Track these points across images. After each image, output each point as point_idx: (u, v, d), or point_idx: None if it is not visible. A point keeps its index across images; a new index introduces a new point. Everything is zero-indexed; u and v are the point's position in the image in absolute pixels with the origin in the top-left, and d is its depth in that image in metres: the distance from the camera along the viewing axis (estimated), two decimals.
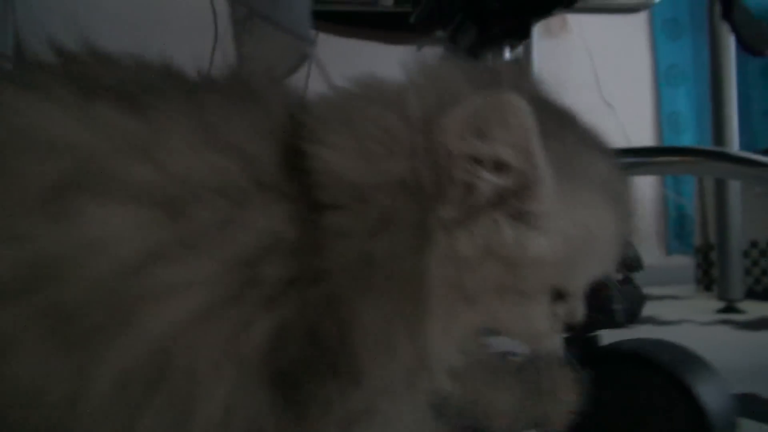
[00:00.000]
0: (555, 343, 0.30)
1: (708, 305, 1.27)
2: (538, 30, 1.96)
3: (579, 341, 0.36)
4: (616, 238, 0.29)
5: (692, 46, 1.99)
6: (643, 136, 1.99)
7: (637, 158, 0.75)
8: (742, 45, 0.68)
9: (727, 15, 0.69)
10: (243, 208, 0.25)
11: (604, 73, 1.94)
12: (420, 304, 0.26)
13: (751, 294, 1.50)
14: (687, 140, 2.02)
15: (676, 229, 2.00)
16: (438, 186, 0.25)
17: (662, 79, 2.01)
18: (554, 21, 1.90)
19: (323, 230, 0.25)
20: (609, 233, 0.28)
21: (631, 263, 1.12)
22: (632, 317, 1.14)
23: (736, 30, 0.68)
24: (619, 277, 1.11)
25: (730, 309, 1.17)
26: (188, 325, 0.24)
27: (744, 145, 2.02)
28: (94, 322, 0.23)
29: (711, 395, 0.31)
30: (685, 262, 1.92)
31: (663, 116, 2.01)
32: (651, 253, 1.98)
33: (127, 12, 1.44)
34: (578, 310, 0.30)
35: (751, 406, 0.50)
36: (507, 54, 0.76)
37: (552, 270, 0.27)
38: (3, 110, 0.25)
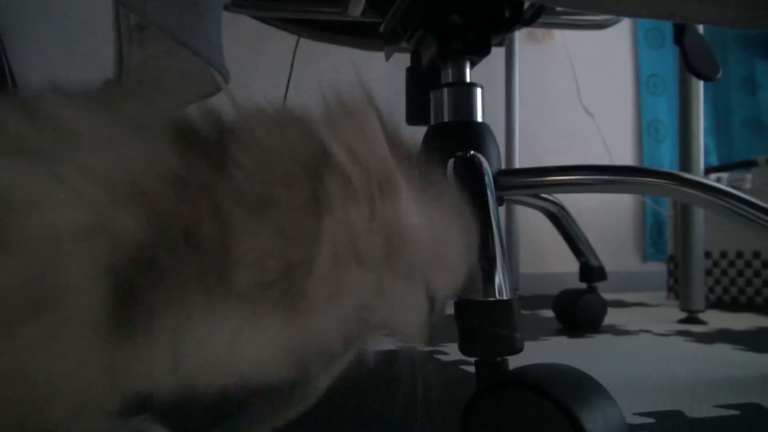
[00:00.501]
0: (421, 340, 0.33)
1: (673, 314, 1.29)
2: (521, 36, 1.99)
3: (488, 365, 0.38)
4: (464, 261, 0.32)
5: (674, 56, 2.01)
6: (623, 145, 2.01)
7: (587, 176, 0.77)
8: (691, 69, 0.70)
9: (679, 39, 0.71)
10: (119, 148, 0.29)
11: (585, 81, 1.96)
12: (309, 255, 0.29)
13: (720, 304, 1.53)
14: (667, 149, 2.04)
15: (652, 236, 2.02)
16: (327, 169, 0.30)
17: (643, 87, 2.03)
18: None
19: (219, 163, 0.29)
20: (460, 251, 0.33)
21: (594, 273, 1.14)
22: (594, 326, 1.16)
23: (685, 54, 0.70)
24: (583, 286, 1.14)
25: (691, 320, 1.20)
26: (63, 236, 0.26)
27: (723, 156, 2.05)
28: None
29: (596, 422, 0.33)
30: (661, 268, 1.95)
31: (643, 125, 2.04)
32: (628, 259, 2.01)
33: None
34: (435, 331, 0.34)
35: (673, 424, 0.52)
36: (468, 71, 0.78)
37: (421, 258, 0.31)
38: None
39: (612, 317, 1.26)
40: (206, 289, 0.28)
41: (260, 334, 0.29)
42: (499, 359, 0.38)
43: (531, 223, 1.80)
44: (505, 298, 0.38)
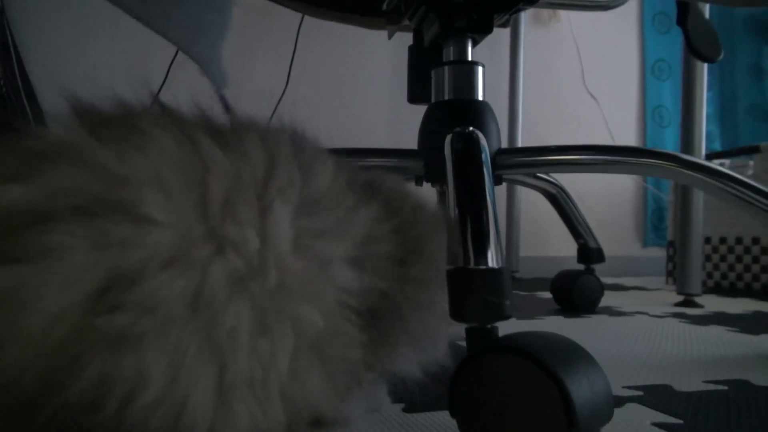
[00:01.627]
0: None
1: (670, 298, 1.30)
2: (527, 18, 1.97)
3: (478, 331, 0.39)
4: None
5: (681, 41, 1.99)
6: (626, 130, 2.01)
7: (586, 155, 0.77)
8: (692, 50, 0.70)
9: (681, 21, 0.71)
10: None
11: (590, 64, 1.95)
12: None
13: (717, 289, 1.54)
14: (670, 135, 2.04)
15: (653, 222, 2.03)
16: None
17: (649, 72, 2.02)
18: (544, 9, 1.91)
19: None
20: None
21: (592, 255, 1.15)
22: (591, 307, 1.17)
23: (687, 36, 0.70)
24: (581, 267, 1.15)
25: (687, 303, 1.21)
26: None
27: (727, 143, 2.05)
28: None
29: (581, 385, 0.34)
30: (661, 254, 1.96)
31: (648, 110, 2.03)
32: (628, 244, 2.02)
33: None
34: None
35: (661, 396, 0.54)
36: (470, 49, 0.78)
37: None
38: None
39: (609, 300, 1.28)
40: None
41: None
42: (489, 326, 0.39)
43: (532, 207, 1.81)
44: (495, 266, 0.39)
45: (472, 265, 0.39)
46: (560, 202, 1.05)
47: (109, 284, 0.24)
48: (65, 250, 0.24)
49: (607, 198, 1.97)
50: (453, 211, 0.45)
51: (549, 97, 1.91)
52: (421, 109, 0.80)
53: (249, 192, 0.29)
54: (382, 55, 1.71)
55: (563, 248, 1.82)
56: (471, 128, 0.62)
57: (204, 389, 0.26)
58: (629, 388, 0.56)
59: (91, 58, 1.47)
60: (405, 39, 0.93)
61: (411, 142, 0.77)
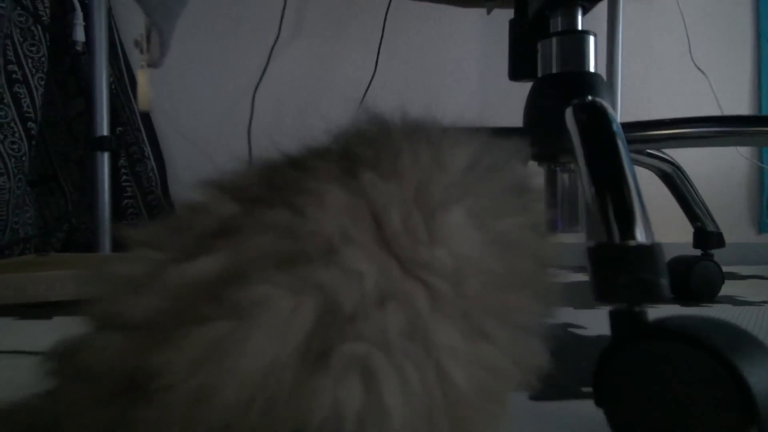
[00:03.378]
0: None
1: None
2: None
3: (625, 315, 0.35)
4: None
5: None
6: (739, 106, 1.85)
7: (728, 127, 0.70)
8: None
9: None
10: None
11: (697, 36, 1.80)
12: None
13: None
14: None
15: None
16: None
17: (765, 42, 1.84)
18: None
19: None
20: None
21: (711, 240, 1.06)
22: (710, 295, 1.08)
23: None
24: (698, 253, 1.06)
25: None
26: None
27: None
28: None
29: (760, 376, 0.30)
30: None
31: (764, 83, 1.85)
32: (741, 230, 1.86)
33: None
34: None
35: None
36: (579, 18, 0.73)
37: None
38: None
39: (726, 289, 1.17)
40: None
41: None
42: (638, 309, 0.35)
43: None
44: (647, 242, 0.35)
45: (618, 240, 0.35)
46: (676, 181, 0.97)
47: (323, 325, 0.24)
48: (270, 299, 0.23)
49: (716, 180, 1.82)
50: (588, 186, 0.41)
51: (651, 72, 1.79)
52: (513, 88, 0.76)
53: (424, 208, 0.28)
54: (469, 35, 1.66)
55: (672, 234, 1.70)
56: (592, 98, 0.57)
57: (436, 414, 0.25)
58: None
59: (188, 55, 1.52)
60: (491, 18, 0.89)
61: (502, 122, 0.73)
